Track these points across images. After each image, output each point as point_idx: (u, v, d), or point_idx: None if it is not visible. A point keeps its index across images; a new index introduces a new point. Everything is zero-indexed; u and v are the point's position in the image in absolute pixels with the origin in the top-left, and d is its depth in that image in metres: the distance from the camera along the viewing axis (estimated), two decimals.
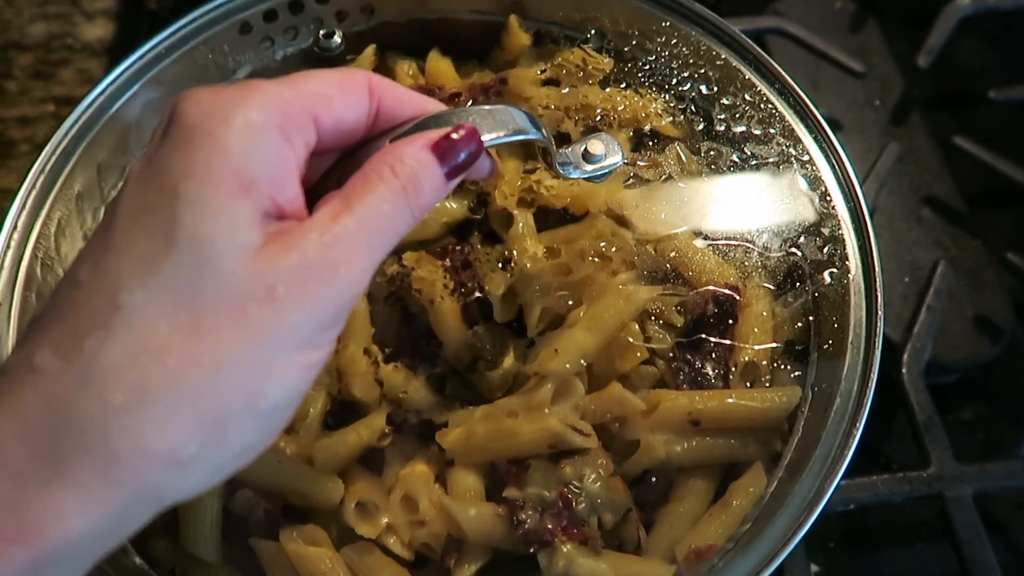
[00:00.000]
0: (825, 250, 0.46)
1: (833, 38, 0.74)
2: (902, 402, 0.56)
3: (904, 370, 0.56)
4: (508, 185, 0.51)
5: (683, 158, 0.49)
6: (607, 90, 0.53)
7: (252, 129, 0.29)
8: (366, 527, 0.42)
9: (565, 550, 0.39)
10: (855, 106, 0.74)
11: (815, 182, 0.48)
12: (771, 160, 0.49)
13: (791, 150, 0.49)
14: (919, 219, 0.69)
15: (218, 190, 0.28)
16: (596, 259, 0.47)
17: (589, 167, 0.43)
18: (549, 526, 0.39)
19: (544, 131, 0.39)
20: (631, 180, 0.49)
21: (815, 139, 0.49)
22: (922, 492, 0.52)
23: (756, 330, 0.46)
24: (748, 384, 0.45)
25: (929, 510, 0.57)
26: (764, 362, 0.45)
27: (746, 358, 0.45)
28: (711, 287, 0.46)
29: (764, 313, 0.46)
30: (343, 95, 0.33)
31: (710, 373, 0.46)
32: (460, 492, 0.43)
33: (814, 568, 0.56)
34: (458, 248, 0.51)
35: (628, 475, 0.44)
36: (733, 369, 0.45)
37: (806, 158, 0.49)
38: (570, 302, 0.47)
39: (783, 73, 0.51)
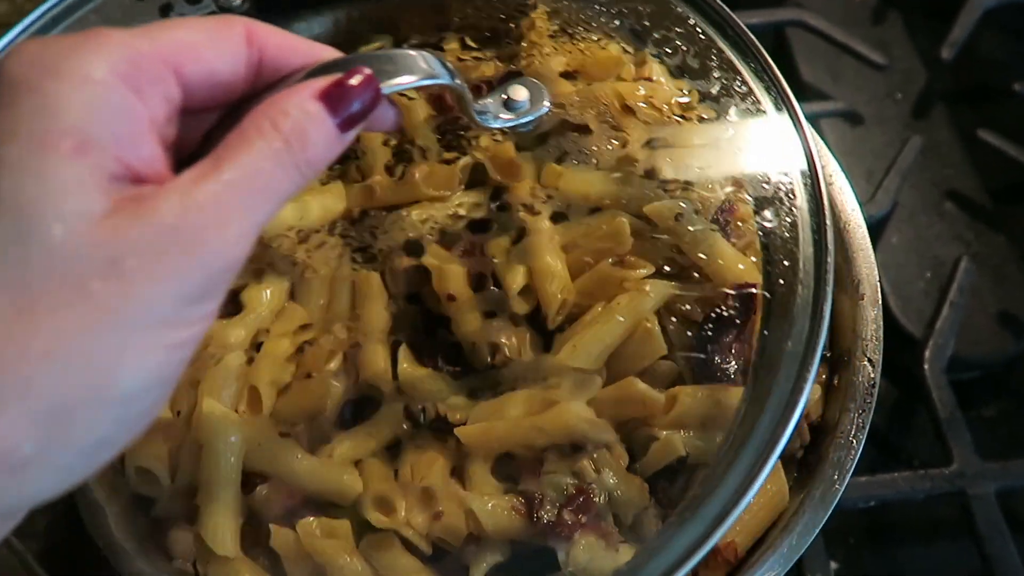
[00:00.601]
0: (770, 186, 0.43)
1: (854, 30, 0.73)
2: (924, 398, 0.56)
3: (926, 366, 0.55)
4: (526, 179, 0.51)
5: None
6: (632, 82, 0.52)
7: (87, 82, 0.26)
8: (384, 520, 0.42)
9: (584, 545, 0.38)
10: (876, 99, 0.74)
11: (756, 115, 0.45)
12: (712, 93, 0.46)
13: (731, 83, 0.45)
14: (941, 214, 0.69)
15: (45, 152, 0.25)
16: (614, 256, 0.47)
17: (511, 115, 0.40)
18: (568, 520, 0.39)
19: (456, 77, 0.36)
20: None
21: (754, 71, 0.45)
22: (944, 489, 0.52)
23: None
24: None
25: (951, 507, 0.57)
26: None
27: None
28: (731, 283, 0.46)
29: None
30: (213, 43, 0.30)
31: (729, 369, 0.45)
32: (477, 485, 0.43)
33: (834, 565, 0.56)
34: (475, 241, 0.51)
35: (646, 471, 0.43)
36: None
37: (744, 90, 0.46)
38: (588, 297, 0.47)
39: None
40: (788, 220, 0.41)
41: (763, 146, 0.44)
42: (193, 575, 0.42)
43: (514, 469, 0.44)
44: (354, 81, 0.30)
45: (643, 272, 0.46)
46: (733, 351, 0.46)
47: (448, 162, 0.52)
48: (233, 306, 0.48)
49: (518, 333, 0.48)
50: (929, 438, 0.58)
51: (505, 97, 0.40)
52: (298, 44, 0.32)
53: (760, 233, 0.42)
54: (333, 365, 0.50)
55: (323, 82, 0.30)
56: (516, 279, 0.48)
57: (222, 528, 0.42)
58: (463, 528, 0.42)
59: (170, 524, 0.44)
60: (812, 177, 0.41)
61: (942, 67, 0.71)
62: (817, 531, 0.37)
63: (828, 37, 0.71)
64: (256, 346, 0.48)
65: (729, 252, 0.47)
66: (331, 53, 0.33)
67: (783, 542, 0.38)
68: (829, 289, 0.37)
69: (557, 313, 0.47)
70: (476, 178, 0.52)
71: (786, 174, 0.41)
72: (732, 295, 0.45)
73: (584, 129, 0.53)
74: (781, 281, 0.40)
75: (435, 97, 0.52)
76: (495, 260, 0.50)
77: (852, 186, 0.47)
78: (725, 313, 0.46)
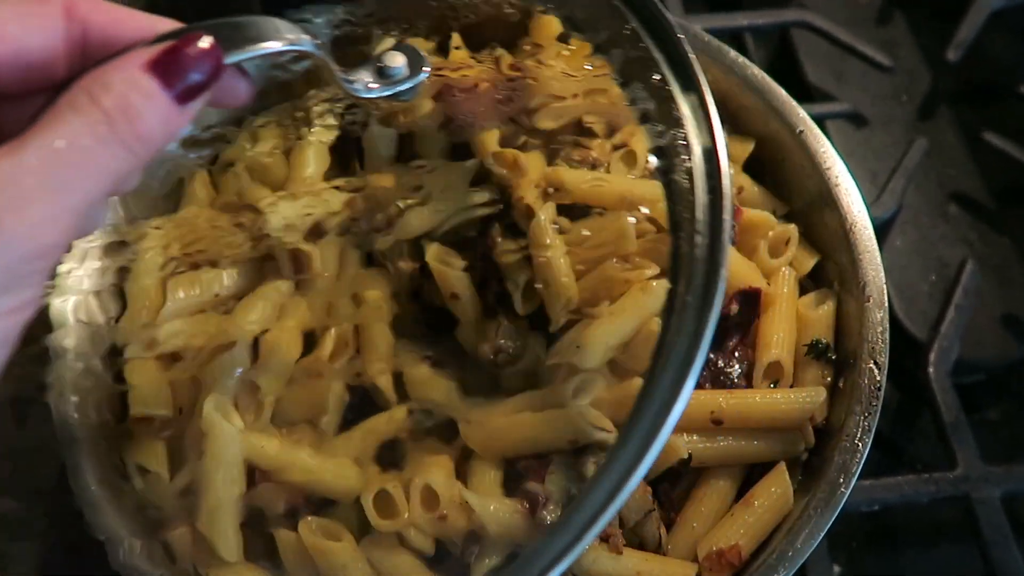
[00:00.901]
0: (664, 136, 0.40)
1: (859, 31, 0.73)
2: (928, 402, 0.55)
3: (931, 369, 0.55)
4: (530, 178, 0.50)
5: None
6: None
7: None
8: (386, 521, 0.42)
9: (588, 547, 0.38)
10: (881, 100, 0.73)
11: (645, 63, 0.41)
12: (597, 42, 0.44)
13: (619, 31, 0.42)
14: (945, 216, 0.68)
15: None
16: (618, 256, 0.47)
17: (385, 84, 0.37)
18: None
19: (318, 44, 0.33)
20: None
21: (640, 18, 0.42)
22: (948, 493, 0.51)
23: (780, 330, 0.45)
24: (771, 384, 0.45)
25: (953, 510, 0.56)
26: (788, 362, 0.45)
27: (770, 358, 0.44)
28: (735, 286, 0.46)
29: (788, 313, 0.46)
30: (19, 19, 0.27)
31: (732, 372, 0.45)
32: (481, 486, 0.43)
33: (836, 568, 0.55)
34: (479, 241, 0.51)
35: (648, 474, 0.43)
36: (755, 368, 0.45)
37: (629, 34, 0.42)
38: (592, 297, 0.47)
39: None
40: (685, 170, 0.39)
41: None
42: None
43: (516, 469, 0.44)
44: (191, 50, 0.28)
45: (649, 272, 0.46)
46: (736, 354, 0.46)
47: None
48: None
49: (521, 333, 0.48)
50: (931, 441, 0.58)
51: (381, 65, 0.37)
52: (131, 16, 0.30)
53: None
54: (335, 363, 0.50)
55: (153, 51, 0.27)
56: (520, 279, 0.48)
57: (224, 530, 0.42)
58: (466, 528, 0.42)
59: (170, 522, 0.44)
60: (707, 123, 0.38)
61: (947, 68, 0.71)
62: (822, 535, 0.37)
63: (833, 38, 0.71)
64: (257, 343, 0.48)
65: (734, 255, 0.46)
66: (170, 24, 0.30)
67: (787, 545, 0.38)
68: (726, 238, 0.35)
69: (560, 313, 0.47)
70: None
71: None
72: (736, 298, 0.45)
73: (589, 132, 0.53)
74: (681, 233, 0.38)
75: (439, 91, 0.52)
76: (499, 259, 0.50)
77: (859, 188, 0.46)
78: (729, 316, 0.46)
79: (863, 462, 0.39)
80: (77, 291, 0.50)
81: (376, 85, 0.37)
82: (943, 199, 0.69)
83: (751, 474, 0.44)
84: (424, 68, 0.38)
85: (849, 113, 0.69)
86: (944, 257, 0.65)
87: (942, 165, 0.70)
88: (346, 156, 0.55)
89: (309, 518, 0.42)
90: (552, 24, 0.54)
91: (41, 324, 0.47)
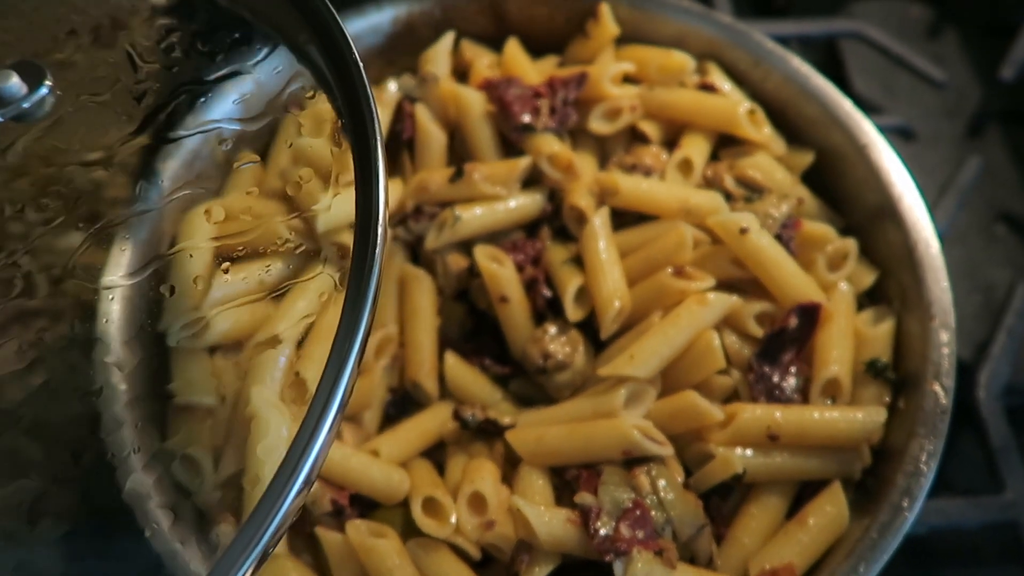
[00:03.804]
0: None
1: (909, 45, 0.71)
2: (975, 425, 0.54)
3: (980, 392, 0.54)
4: (583, 182, 0.50)
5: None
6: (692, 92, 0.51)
7: None
8: (436, 527, 0.41)
9: (642, 561, 0.38)
10: (930, 116, 0.72)
11: None
12: None
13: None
14: (992, 236, 0.67)
15: None
16: (672, 265, 0.46)
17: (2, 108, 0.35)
18: (625, 535, 0.38)
19: None
20: None
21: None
22: (996, 518, 0.50)
23: (839, 346, 0.44)
24: (829, 401, 0.44)
25: (994, 534, 0.55)
26: (847, 380, 0.44)
27: (828, 374, 0.44)
28: (793, 299, 0.45)
29: (847, 329, 0.45)
30: None
31: (787, 387, 0.45)
32: (529, 494, 0.42)
33: None
34: (529, 244, 0.50)
35: (699, 487, 0.42)
36: (812, 384, 0.44)
37: None
38: (644, 306, 0.46)
39: None
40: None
41: None
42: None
43: (562, 479, 0.44)
44: None
45: (704, 284, 0.45)
46: (792, 369, 0.45)
47: None
48: None
49: (571, 339, 0.47)
50: (972, 464, 0.57)
51: None
52: None
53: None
54: (380, 361, 0.49)
55: None
56: (571, 284, 0.47)
57: None
58: (513, 536, 0.41)
59: (215, 515, 0.43)
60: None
61: (1000, 86, 0.70)
62: (887, 558, 0.36)
63: (887, 51, 0.69)
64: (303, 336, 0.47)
65: (793, 268, 0.46)
66: None
67: (850, 570, 0.37)
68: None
69: (612, 321, 0.46)
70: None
71: None
72: (794, 312, 0.45)
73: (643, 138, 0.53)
74: None
75: (494, 93, 0.51)
76: (550, 263, 0.49)
77: (927, 203, 0.45)
78: (786, 329, 0.45)
79: (929, 486, 0.38)
80: (122, 279, 0.49)
81: None
82: (991, 219, 0.68)
83: (801, 491, 0.44)
84: (46, 81, 0.35)
85: (898, 127, 0.68)
86: (991, 278, 0.64)
87: (991, 185, 0.69)
88: (395, 152, 0.54)
89: (357, 520, 0.42)
90: (612, 27, 0.54)
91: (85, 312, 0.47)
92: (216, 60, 0.38)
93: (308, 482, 0.28)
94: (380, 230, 0.32)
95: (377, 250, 0.31)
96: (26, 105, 0.35)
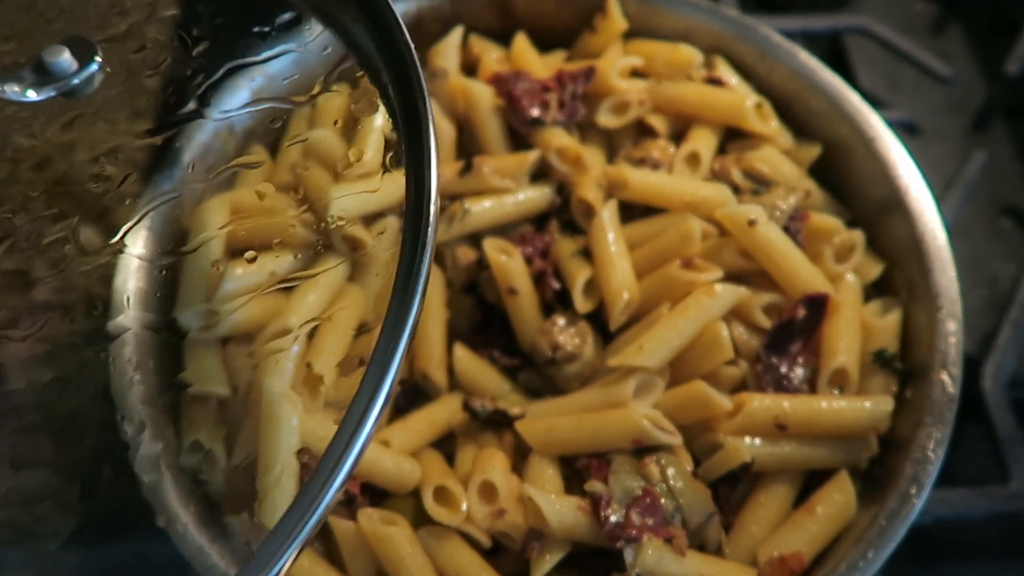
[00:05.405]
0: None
1: (914, 40, 0.72)
2: (981, 416, 0.55)
3: (986, 383, 0.54)
4: (592, 175, 0.50)
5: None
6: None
7: None
8: (447, 515, 0.41)
9: (652, 548, 0.38)
10: (935, 111, 0.72)
11: None
12: None
13: None
14: (997, 231, 0.68)
15: None
16: (680, 257, 0.47)
17: (52, 84, 0.34)
18: (636, 522, 0.39)
19: None
20: None
21: None
22: (1001, 509, 0.51)
23: (846, 337, 0.45)
24: (836, 391, 0.44)
25: (998, 525, 0.56)
26: (854, 370, 0.44)
27: (836, 365, 0.44)
28: (802, 290, 0.45)
29: (854, 320, 0.45)
30: None
31: (794, 377, 0.45)
32: (539, 483, 0.43)
33: None
34: (538, 237, 0.51)
35: (708, 476, 0.43)
36: (819, 375, 0.45)
37: None
38: (653, 298, 0.47)
39: None
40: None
41: None
42: (251, 554, 0.42)
43: (571, 468, 0.44)
44: None
45: (713, 276, 0.45)
46: (800, 360, 0.45)
47: None
48: None
49: (580, 331, 0.48)
50: (976, 455, 0.57)
51: (41, 64, 0.34)
52: None
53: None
54: None
55: None
56: (580, 276, 0.47)
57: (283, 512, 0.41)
58: (524, 524, 0.42)
59: (227, 503, 0.44)
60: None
61: (1004, 81, 0.70)
62: (895, 545, 0.37)
63: (892, 46, 0.70)
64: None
65: (800, 260, 0.46)
66: None
67: (858, 556, 0.37)
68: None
69: (621, 313, 0.46)
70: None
71: None
72: (802, 303, 0.45)
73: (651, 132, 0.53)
74: None
75: (503, 87, 0.52)
76: (559, 256, 0.49)
77: (934, 196, 0.46)
78: (794, 320, 0.45)
79: (937, 474, 0.38)
80: (137, 265, 0.50)
81: (42, 88, 0.34)
82: (996, 214, 0.68)
83: (809, 480, 0.44)
84: (96, 57, 0.35)
85: (903, 122, 0.69)
86: (996, 272, 0.65)
87: (996, 179, 0.69)
88: None
89: (369, 509, 0.42)
90: (620, 21, 0.54)
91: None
92: (266, 39, 0.39)
93: (351, 473, 0.28)
94: (432, 212, 0.31)
95: (429, 232, 0.31)
96: (76, 81, 0.35)
